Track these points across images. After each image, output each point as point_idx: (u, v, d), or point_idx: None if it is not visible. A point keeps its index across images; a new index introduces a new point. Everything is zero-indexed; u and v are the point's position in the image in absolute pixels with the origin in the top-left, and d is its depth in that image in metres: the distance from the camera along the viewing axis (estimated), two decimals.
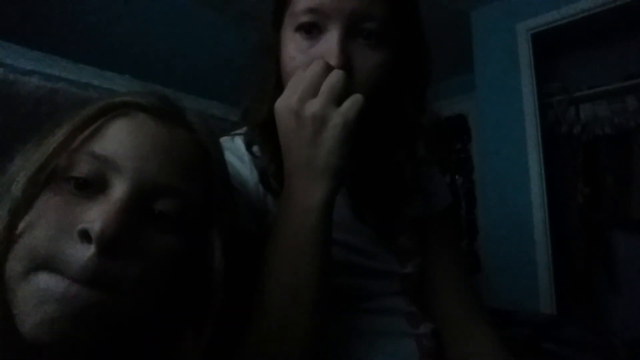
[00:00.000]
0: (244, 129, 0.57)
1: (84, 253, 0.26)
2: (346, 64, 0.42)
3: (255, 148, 0.53)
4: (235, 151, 0.53)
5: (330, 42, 0.43)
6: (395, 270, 0.56)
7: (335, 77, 0.39)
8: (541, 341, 0.94)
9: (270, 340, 0.37)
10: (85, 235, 0.27)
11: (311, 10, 0.44)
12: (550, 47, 2.41)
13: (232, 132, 0.58)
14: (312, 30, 0.45)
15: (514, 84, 2.28)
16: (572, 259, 2.36)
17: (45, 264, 0.26)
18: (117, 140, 0.31)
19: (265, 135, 0.51)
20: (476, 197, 3.19)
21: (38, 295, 0.25)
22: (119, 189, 0.30)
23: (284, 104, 0.40)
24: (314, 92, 0.39)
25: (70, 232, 0.27)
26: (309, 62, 0.42)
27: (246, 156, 0.53)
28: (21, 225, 0.28)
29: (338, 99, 0.39)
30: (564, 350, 0.89)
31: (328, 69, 0.40)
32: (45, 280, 0.26)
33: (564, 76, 2.54)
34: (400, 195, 0.55)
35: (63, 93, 1.02)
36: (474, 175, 3.25)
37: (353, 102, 0.39)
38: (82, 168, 0.30)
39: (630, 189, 2.24)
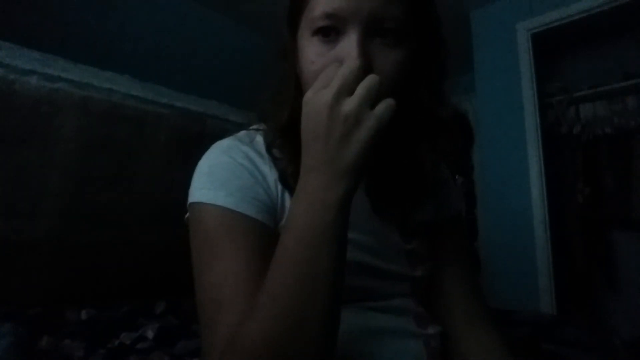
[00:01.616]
0: (261, 125, 0.58)
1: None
2: (367, 64, 0.43)
3: (274, 150, 0.53)
4: (255, 147, 0.54)
5: (349, 44, 0.44)
6: (405, 272, 0.56)
7: (372, 80, 0.40)
8: (541, 341, 0.94)
9: (284, 336, 0.36)
10: None
11: (328, 15, 0.44)
12: (550, 47, 2.41)
13: (251, 128, 0.58)
14: (330, 33, 0.45)
15: (514, 84, 2.28)
16: (572, 259, 2.36)
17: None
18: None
19: (285, 138, 0.51)
20: (476, 197, 3.19)
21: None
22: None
23: (318, 98, 0.40)
24: (349, 90, 0.39)
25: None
26: (329, 65, 0.43)
27: (266, 154, 0.54)
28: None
29: (372, 101, 0.39)
30: (564, 350, 0.90)
31: (363, 69, 0.41)
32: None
33: (564, 76, 2.54)
34: (420, 189, 0.56)
35: (63, 93, 1.02)
36: (474, 175, 3.25)
37: (387, 106, 0.39)
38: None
39: (630, 189, 2.25)
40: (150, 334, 0.95)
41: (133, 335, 0.94)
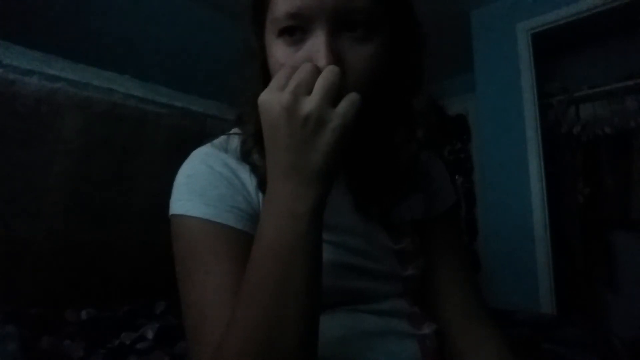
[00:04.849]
0: (239, 130, 0.55)
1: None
2: (336, 62, 0.40)
3: (253, 156, 0.51)
4: (233, 152, 0.52)
5: (316, 43, 0.41)
6: (396, 272, 0.55)
7: (330, 73, 0.37)
8: (541, 341, 0.94)
9: (258, 349, 0.35)
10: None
11: (292, 15, 0.42)
12: (550, 47, 2.41)
13: (229, 132, 0.56)
14: (295, 33, 0.43)
15: (514, 84, 2.28)
16: (572, 259, 2.36)
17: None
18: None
19: (261, 143, 0.49)
20: (476, 197, 3.19)
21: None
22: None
23: (273, 99, 0.37)
24: (307, 88, 0.37)
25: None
26: (297, 66, 0.40)
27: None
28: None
29: (333, 98, 0.37)
30: (564, 350, 0.90)
31: (320, 69, 0.39)
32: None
33: (564, 76, 2.54)
34: (400, 182, 0.54)
35: (63, 93, 1.02)
36: (473, 175, 3.25)
37: (351, 102, 0.37)
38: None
39: (630, 189, 2.25)
40: (150, 334, 0.95)
41: (133, 335, 0.94)
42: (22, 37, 1.06)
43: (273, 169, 0.38)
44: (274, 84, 0.39)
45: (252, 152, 0.51)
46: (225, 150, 0.52)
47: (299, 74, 0.38)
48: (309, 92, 0.37)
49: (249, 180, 0.50)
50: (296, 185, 0.36)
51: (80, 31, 1.65)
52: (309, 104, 0.36)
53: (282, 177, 0.37)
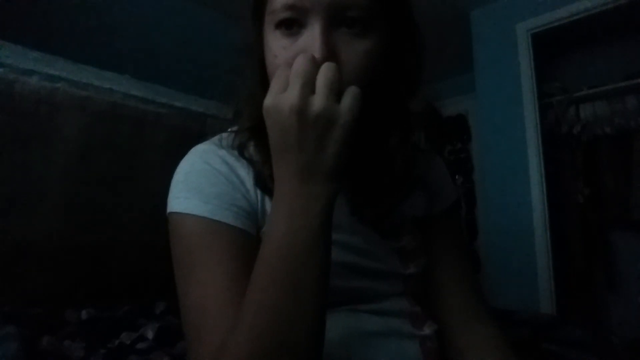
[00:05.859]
0: (237, 128, 0.55)
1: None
2: (331, 56, 0.40)
3: (250, 151, 0.51)
4: (230, 149, 0.52)
5: (312, 36, 0.41)
6: (397, 271, 0.55)
7: (329, 70, 0.37)
8: (541, 341, 0.94)
9: (268, 356, 0.35)
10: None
11: (289, 7, 0.42)
12: (550, 47, 2.41)
13: (228, 130, 0.56)
14: (292, 25, 0.43)
15: (514, 84, 2.28)
16: (572, 259, 2.36)
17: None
18: None
19: (257, 138, 0.49)
20: (476, 197, 3.19)
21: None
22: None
23: (281, 102, 0.37)
24: (312, 87, 0.37)
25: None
26: (292, 59, 0.40)
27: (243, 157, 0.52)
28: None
29: (335, 94, 0.37)
30: (564, 350, 0.89)
31: (316, 61, 0.39)
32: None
33: (564, 76, 2.54)
34: (394, 185, 0.53)
35: (63, 93, 1.02)
36: (474, 175, 3.25)
37: (353, 97, 0.37)
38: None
39: (630, 189, 2.24)
40: (150, 334, 0.95)
41: (133, 335, 0.94)
42: (22, 37, 1.06)
43: (284, 171, 0.38)
44: (275, 86, 0.38)
45: (248, 145, 0.51)
46: (224, 147, 0.52)
47: (298, 67, 0.37)
48: (313, 89, 0.37)
49: (247, 177, 0.50)
50: (309, 185, 0.37)
51: (80, 31, 1.65)
52: (318, 103, 0.36)
53: (294, 178, 0.37)
